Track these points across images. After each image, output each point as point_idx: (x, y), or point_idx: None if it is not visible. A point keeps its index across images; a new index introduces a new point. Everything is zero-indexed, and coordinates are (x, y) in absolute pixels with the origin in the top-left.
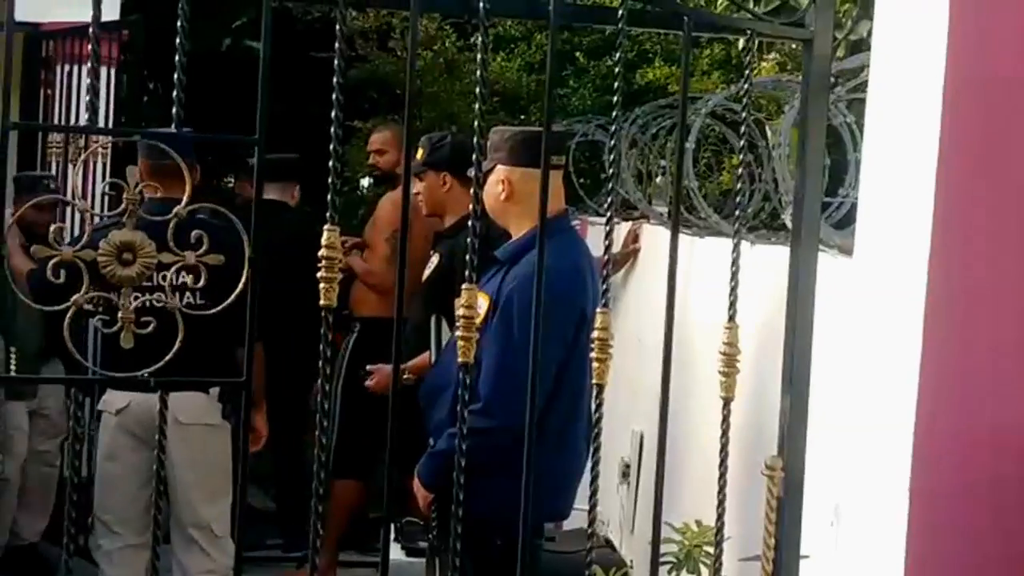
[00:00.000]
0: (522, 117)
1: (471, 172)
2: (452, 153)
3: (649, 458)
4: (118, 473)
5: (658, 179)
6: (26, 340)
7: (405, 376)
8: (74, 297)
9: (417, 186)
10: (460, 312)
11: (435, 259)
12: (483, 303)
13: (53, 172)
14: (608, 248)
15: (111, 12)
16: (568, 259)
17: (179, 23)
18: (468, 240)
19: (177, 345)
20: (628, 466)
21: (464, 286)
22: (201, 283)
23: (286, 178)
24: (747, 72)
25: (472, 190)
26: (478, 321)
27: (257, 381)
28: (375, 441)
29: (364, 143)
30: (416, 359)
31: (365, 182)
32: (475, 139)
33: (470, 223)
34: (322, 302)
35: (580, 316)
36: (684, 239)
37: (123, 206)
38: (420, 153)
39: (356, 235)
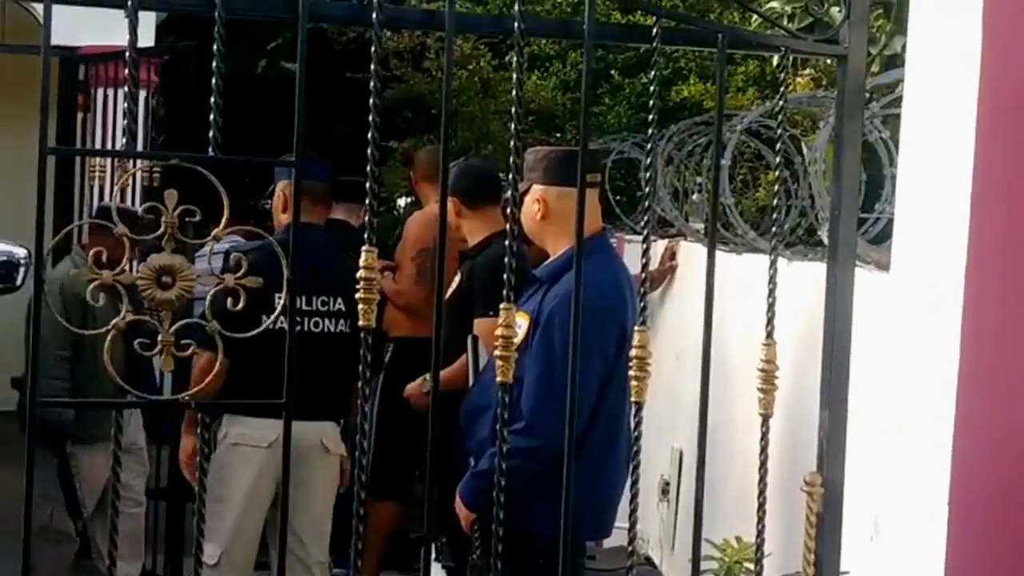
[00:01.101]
0: (558, 136)
1: (506, 193)
2: (456, 179)
3: (689, 475)
4: (256, 510)
5: (694, 196)
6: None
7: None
8: (114, 320)
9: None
10: (499, 332)
11: (457, 279)
12: (522, 323)
13: (96, 196)
14: (645, 266)
15: (146, 38)
16: (608, 276)
17: (215, 46)
18: (483, 260)
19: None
20: (668, 483)
21: (502, 306)
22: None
23: (353, 199)
24: (782, 89)
25: (509, 210)
26: (517, 341)
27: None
28: (413, 461)
29: (399, 164)
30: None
31: (402, 202)
32: (511, 159)
33: (507, 243)
34: (361, 323)
35: (621, 333)
36: (721, 256)
37: (162, 229)
38: None
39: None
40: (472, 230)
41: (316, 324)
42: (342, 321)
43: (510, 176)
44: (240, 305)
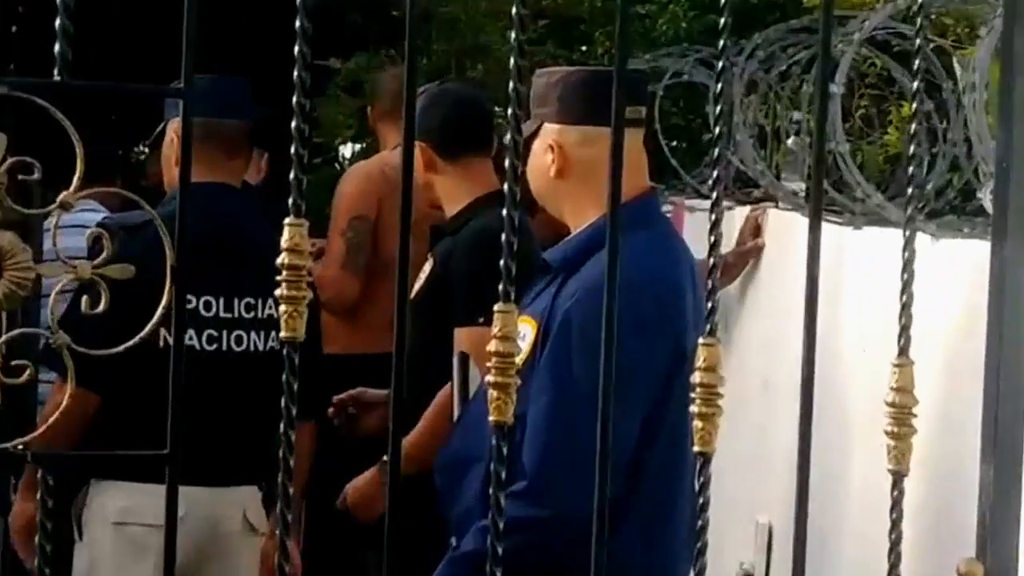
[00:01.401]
0: (583, 50)
1: (506, 138)
2: (426, 113)
3: (782, 561)
4: None
5: (790, 141)
6: None
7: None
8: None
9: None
10: (492, 347)
11: (427, 266)
12: (527, 331)
13: None
14: (714, 246)
15: None
16: (656, 264)
17: None
18: (465, 239)
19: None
20: (750, 574)
21: (498, 307)
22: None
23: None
24: None
25: (507, 161)
26: (520, 359)
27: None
28: (365, 541)
29: (343, 91)
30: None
31: (347, 150)
32: (511, 84)
33: (504, 213)
34: (283, 334)
35: (675, 347)
36: (831, 230)
37: None
38: None
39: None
40: (449, 192)
41: (239, 340)
42: (273, 334)
43: (509, 111)
44: (100, 307)
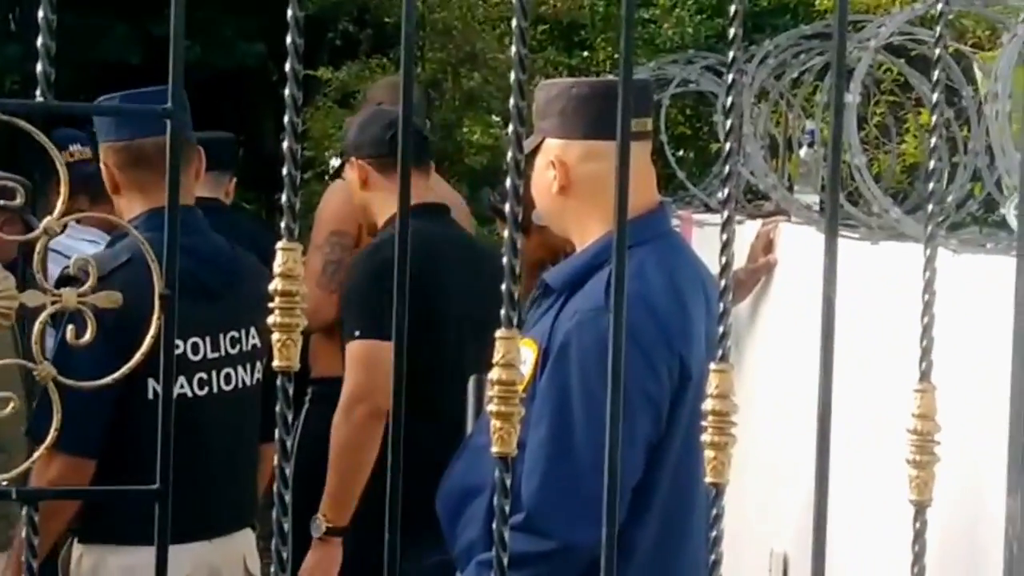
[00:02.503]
0: (584, 55)
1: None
2: (362, 132)
3: None
4: None
5: (803, 152)
6: None
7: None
8: None
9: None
10: (494, 375)
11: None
12: (528, 354)
13: None
14: (726, 268)
15: None
16: (660, 284)
17: None
18: (365, 251)
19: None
20: None
21: (500, 333)
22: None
23: (221, 166)
24: None
25: (508, 182)
26: (522, 385)
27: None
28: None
29: (334, 104)
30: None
31: (337, 162)
32: (512, 100)
33: (506, 234)
34: (276, 363)
35: (681, 370)
36: (847, 246)
37: None
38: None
39: None
40: (382, 207)
41: (228, 379)
42: (258, 365)
43: (510, 128)
44: (86, 337)
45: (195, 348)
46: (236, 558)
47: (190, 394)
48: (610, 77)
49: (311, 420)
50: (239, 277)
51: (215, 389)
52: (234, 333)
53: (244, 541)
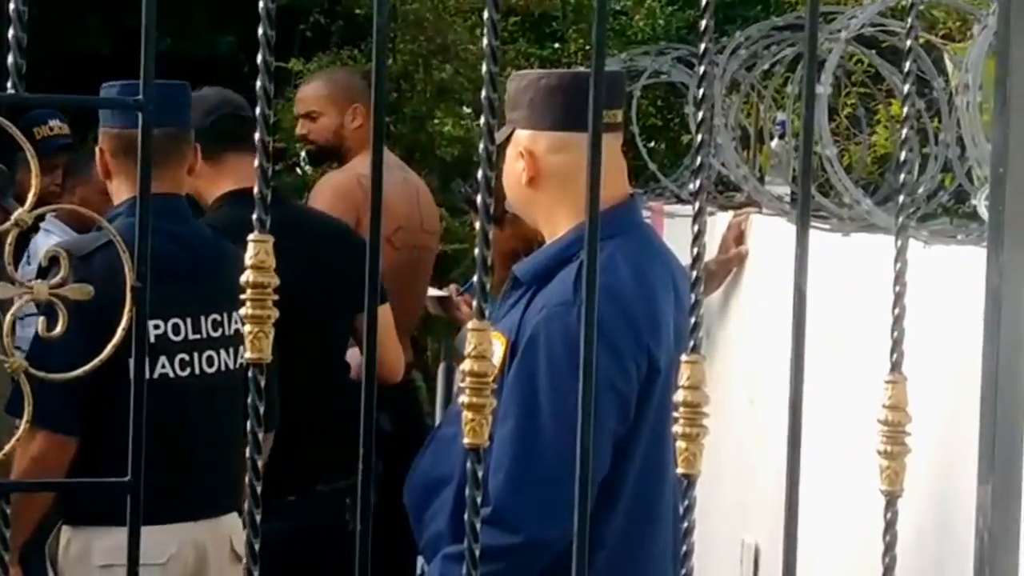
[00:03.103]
0: (556, 47)
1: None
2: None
3: None
4: None
5: (774, 143)
6: None
7: None
8: None
9: None
10: (466, 367)
11: None
12: (497, 347)
13: None
14: (697, 259)
15: None
16: (627, 276)
17: None
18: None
19: None
20: None
21: (471, 324)
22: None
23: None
24: None
25: (480, 174)
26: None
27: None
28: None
29: None
30: None
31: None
32: (484, 92)
33: (477, 225)
34: (248, 355)
35: (648, 365)
36: (818, 237)
37: None
38: None
39: None
40: (206, 190)
41: (210, 361)
42: (241, 350)
43: (482, 119)
44: (57, 330)
45: (176, 328)
46: (222, 540)
47: (172, 374)
48: (580, 69)
49: None
50: (220, 262)
51: (197, 371)
52: (216, 316)
53: (231, 523)
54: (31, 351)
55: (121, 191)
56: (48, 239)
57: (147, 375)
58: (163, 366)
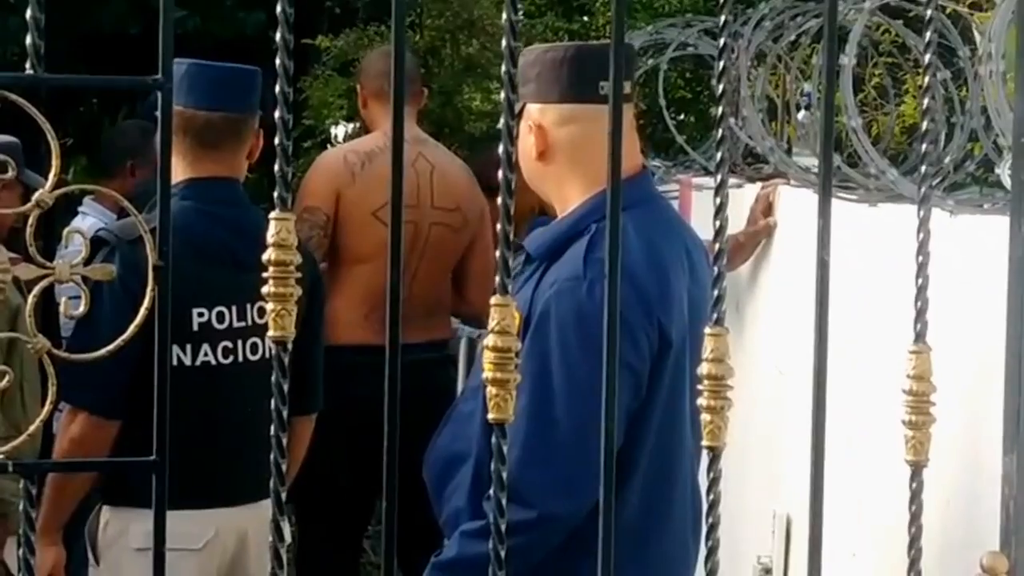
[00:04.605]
0: (584, 20)
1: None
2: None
3: (800, 554)
4: None
5: (801, 115)
6: None
7: None
8: None
9: None
10: (489, 341)
11: None
12: None
13: None
14: (720, 231)
15: None
16: (642, 248)
17: None
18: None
19: None
20: (768, 571)
21: (494, 300)
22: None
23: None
24: None
25: (501, 148)
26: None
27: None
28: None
29: (333, 71)
30: None
31: (339, 130)
32: (504, 67)
33: (499, 201)
34: (271, 333)
35: (660, 339)
36: (844, 208)
37: None
38: None
39: None
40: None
41: (254, 348)
42: (260, 343)
43: (502, 94)
44: (80, 310)
45: (220, 317)
46: (261, 525)
47: (214, 362)
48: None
49: None
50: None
51: (240, 358)
52: (262, 303)
53: (269, 509)
54: (73, 333)
55: (176, 172)
56: (84, 222)
57: (189, 363)
58: (205, 354)
